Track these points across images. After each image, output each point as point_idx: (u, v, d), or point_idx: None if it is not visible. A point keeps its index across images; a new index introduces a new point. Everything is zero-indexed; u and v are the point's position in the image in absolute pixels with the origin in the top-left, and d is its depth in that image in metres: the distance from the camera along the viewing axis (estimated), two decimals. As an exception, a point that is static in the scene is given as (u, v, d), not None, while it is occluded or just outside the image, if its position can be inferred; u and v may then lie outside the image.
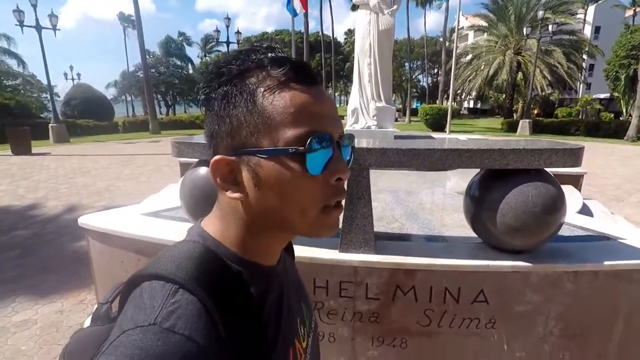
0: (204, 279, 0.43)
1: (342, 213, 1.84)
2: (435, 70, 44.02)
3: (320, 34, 26.50)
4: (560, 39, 24.70)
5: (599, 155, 12.17)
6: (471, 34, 43.61)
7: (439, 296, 1.92)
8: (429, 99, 37.08)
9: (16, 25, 14.32)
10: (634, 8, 34.43)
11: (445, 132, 16.34)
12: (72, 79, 34.18)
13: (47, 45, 14.97)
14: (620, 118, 23.67)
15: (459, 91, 29.63)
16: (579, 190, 4.45)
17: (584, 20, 34.65)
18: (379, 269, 1.93)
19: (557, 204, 1.81)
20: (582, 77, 31.69)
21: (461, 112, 45.44)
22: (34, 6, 14.25)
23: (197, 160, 2.15)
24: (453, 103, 39.50)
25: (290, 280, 0.60)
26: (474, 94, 31.74)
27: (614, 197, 6.60)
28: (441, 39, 32.19)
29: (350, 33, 49.71)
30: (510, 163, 1.81)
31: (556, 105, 33.20)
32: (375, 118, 5.69)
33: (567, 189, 4.26)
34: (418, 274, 1.91)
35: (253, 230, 0.50)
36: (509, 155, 1.80)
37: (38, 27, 14.85)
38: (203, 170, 2.05)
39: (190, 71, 42.15)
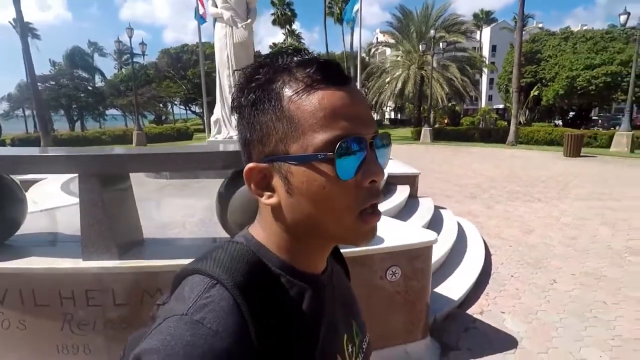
0: (241, 277, 0.44)
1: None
2: (356, 83, 46.29)
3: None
4: (455, 56, 27.58)
5: (478, 159, 13.62)
6: (388, 49, 46.83)
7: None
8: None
9: None
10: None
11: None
12: (-47, 92, 29.88)
13: None
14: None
15: (372, 102, 31.42)
16: (416, 187, 4.98)
17: (480, 39, 39.20)
18: (123, 274, 1.95)
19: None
20: (483, 90, 35.59)
21: (383, 122, 48.21)
22: None
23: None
24: (375, 114, 41.87)
25: (338, 293, 0.58)
26: (392, 105, 33.85)
27: (470, 194, 7.45)
28: (362, 54, 34.09)
29: (275, 46, 50.38)
30: (229, 165, 1.96)
31: (462, 115, 36.79)
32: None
33: (401, 189, 4.73)
34: (161, 275, 1.97)
35: (293, 236, 0.49)
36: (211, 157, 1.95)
37: None
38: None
39: (100, 83, 39.18)
